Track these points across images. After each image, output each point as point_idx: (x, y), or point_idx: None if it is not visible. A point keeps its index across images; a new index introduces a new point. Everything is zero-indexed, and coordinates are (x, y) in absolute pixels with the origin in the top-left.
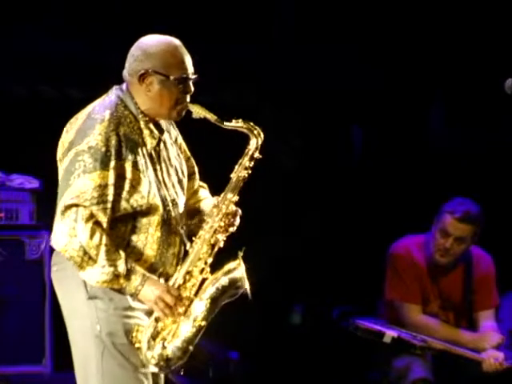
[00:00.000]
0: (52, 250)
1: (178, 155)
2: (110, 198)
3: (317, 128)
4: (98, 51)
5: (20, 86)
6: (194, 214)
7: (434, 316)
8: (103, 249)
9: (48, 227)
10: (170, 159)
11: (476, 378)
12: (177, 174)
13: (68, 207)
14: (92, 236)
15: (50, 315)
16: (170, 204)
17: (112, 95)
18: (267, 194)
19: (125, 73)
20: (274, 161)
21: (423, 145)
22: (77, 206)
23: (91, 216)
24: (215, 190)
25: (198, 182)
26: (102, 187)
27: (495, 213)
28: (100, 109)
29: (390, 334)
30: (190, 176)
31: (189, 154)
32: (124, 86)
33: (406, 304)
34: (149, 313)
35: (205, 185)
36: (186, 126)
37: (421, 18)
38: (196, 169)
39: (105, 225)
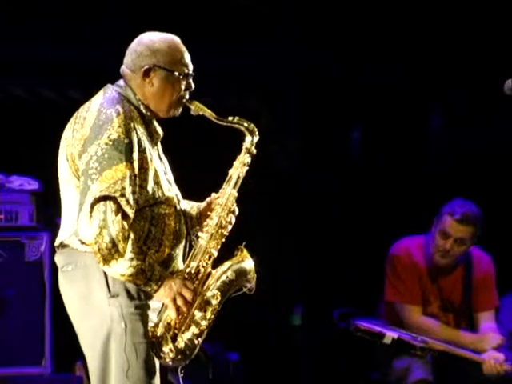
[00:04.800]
0: (53, 250)
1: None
2: (137, 189)
3: (317, 128)
4: (98, 53)
5: (20, 88)
6: None
7: (434, 317)
8: (131, 242)
9: (48, 228)
10: (163, 156)
11: (476, 380)
12: (169, 171)
13: (98, 199)
14: (122, 229)
15: (50, 316)
16: (177, 197)
17: (112, 92)
18: (266, 193)
19: (124, 68)
20: (273, 161)
21: (423, 145)
22: (106, 198)
23: (120, 208)
24: (208, 187)
25: None
26: (129, 178)
27: (495, 213)
28: (109, 104)
29: (391, 335)
30: None
31: None
32: (121, 82)
33: (406, 305)
34: (159, 313)
35: None
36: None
37: (421, 20)
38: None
39: (131, 216)
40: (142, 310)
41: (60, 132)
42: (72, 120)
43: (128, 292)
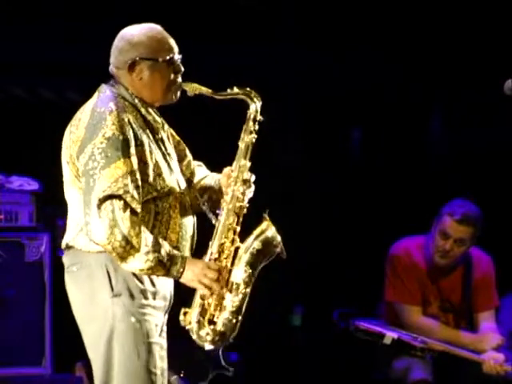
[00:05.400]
0: (54, 251)
1: (169, 142)
2: (139, 183)
3: (317, 130)
4: (98, 53)
5: (20, 88)
6: (202, 192)
7: (433, 317)
8: (143, 236)
9: (47, 229)
10: (168, 145)
11: (476, 380)
12: (175, 159)
13: (103, 200)
14: (132, 225)
15: (50, 317)
16: (182, 187)
17: (106, 91)
18: (265, 193)
19: (111, 68)
20: (272, 161)
21: (423, 145)
22: (111, 197)
23: (126, 205)
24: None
25: (192, 162)
26: (130, 174)
27: (495, 213)
28: (102, 103)
29: (390, 335)
30: (184, 158)
31: (178, 137)
32: (112, 81)
33: (405, 305)
34: (167, 311)
35: (200, 162)
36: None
37: (421, 20)
38: (187, 150)
39: (139, 211)
40: (146, 310)
41: (60, 132)
42: (70, 123)
43: (131, 291)
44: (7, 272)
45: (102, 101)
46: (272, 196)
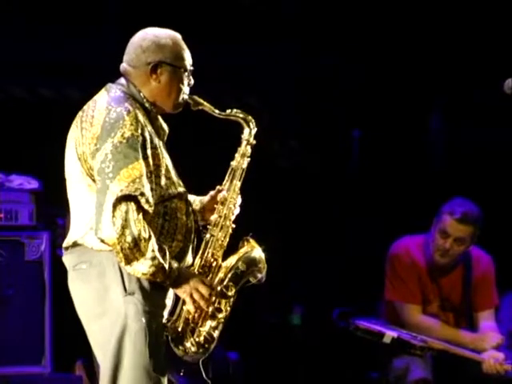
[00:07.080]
0: (54, 250)
1: None
2: (153, 185)
3: (316, 131)
4: (98, 53)
5: (20, 88)
6: None
7: (433, 316)
8: (152, 241)
9: (47, 228)
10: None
11: (476, 379)
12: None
13: (119, 200)
14: (144, 228)
15: (50, 316)
16: (186, 192)
17: (116, 91)
18: (265, 193)
19: (125, 66)
20: (273, 161)
21: (423, 145)
22: (127, 197)
23: (140, 207)
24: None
25: None
26: (146, 175)
27: (495, 213)
28: (117, 102)
29: (390, 334)
30: None
31: None
32: (122, 80)
33: (405, 304)
34: (170, 311)
35: None
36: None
37: (421, 20)
38: None
39: (150, 212)
40: (157, 309)
41: (59, 132)
42: (78, 119)
43: (144, 290)
44: (7, 271)
45: (115, 100)
46: (272, 196)
